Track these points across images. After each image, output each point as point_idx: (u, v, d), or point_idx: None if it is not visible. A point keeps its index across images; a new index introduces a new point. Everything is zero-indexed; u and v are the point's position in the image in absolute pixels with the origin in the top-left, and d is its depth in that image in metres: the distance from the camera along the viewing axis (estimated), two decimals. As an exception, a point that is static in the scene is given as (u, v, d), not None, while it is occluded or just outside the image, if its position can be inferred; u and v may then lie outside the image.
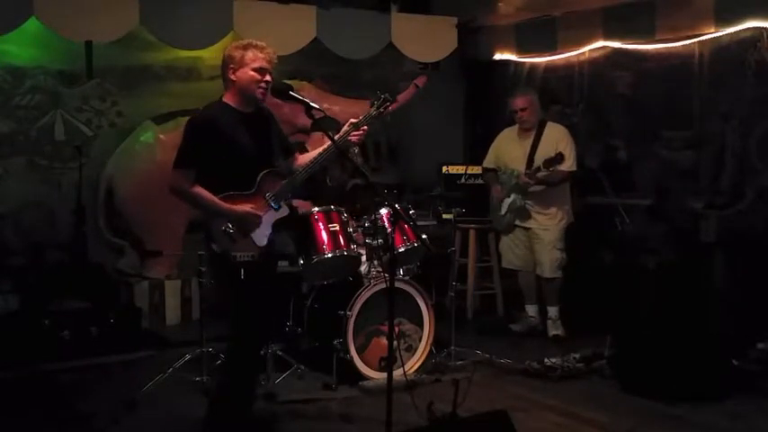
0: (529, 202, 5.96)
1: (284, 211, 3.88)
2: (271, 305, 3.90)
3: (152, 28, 5.72)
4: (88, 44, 5.77)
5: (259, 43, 3.80)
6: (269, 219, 3.82)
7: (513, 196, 6.00)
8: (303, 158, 4.03)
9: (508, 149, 6.16)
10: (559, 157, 5.64)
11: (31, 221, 6.14)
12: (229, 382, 3.90)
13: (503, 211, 6.09)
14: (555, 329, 6.06)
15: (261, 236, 3.79)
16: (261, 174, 3.80)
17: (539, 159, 5.85)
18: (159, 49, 6.38)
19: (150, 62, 6.52)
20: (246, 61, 3.73)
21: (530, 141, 5.99)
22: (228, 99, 3.81)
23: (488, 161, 6.32)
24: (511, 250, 6.23)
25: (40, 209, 6.19)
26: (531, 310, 6.27)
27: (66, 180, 6.22)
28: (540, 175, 5.76)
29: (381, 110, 3.95)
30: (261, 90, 3.75)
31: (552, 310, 6.12)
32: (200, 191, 3.69)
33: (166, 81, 6.61)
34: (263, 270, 3.79)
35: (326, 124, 4.18)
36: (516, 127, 6.12)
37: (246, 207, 3.73)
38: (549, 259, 5.99)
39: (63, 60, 6.14)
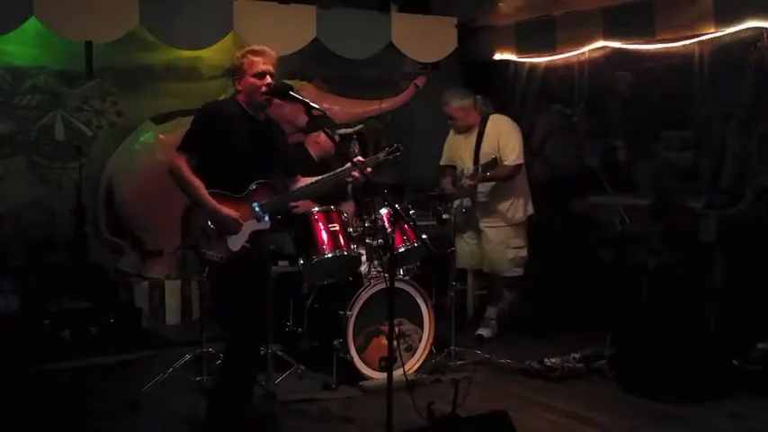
0: (476, 202, 5.84)
1: (265, 225, 3.85)
2: (253, 309, 3.88)
3: (152, 28, 5.72)
4: (88, 44, 5.77)
5: (256, 48, 3.85)
6: (248, 227, 3.79)
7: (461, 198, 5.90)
8: (303, 182, 4.06)
9: (455, 148, 6.09)
10: (493, 162, 5.54)
11: (31, 221, 6.14)
12: (222, 382, 3.92)
13: (455, 206, 5.90)
14: (484, 329, 6.00)
15: (236, 241, 3.76)
16: (255, 182, 3.81)
17: (483, 156, 5.81)
18: (159, 49, 6.38)
19: (150, 62, 6.52)
20: (245, 68, 3.79)
21: (473, 138, 5.94)
22: (241, 100, 3.86)
23: (443, 159, 6.24)
24: (464, 250, 6.05)
25: (40, 209, 6.19)
26: (493, 312, 6.15)
27: (67, 180, 6.22)
28: (480, 176, 5.69)
29: (390, 158, 4.10)
30: (262, 95, 3.77)
31: (492, 311, 6.08)
32: (195, 180, 3.71)
33: (166, 81, 6.61)
34: (236, 273, 3.76)
35: (324, 123, 4.22)
36: None
37: (232, 212, 3.72)
38: (501, 259, 5.94)
39: (63, 60, 6.14)
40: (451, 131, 6.19)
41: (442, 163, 6.28)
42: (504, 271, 5.98)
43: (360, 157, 4.04)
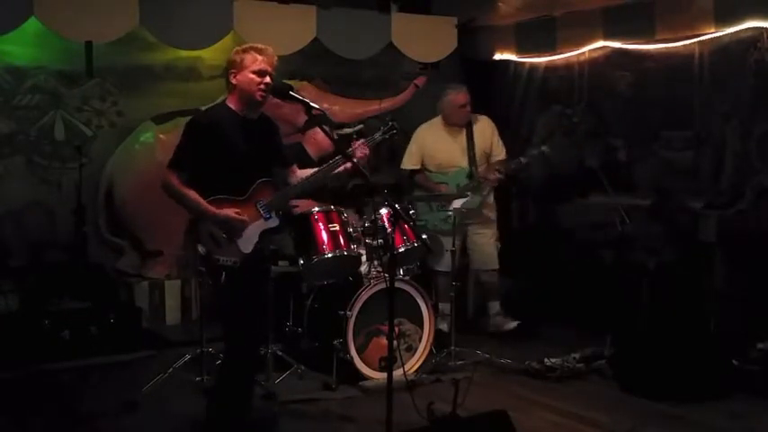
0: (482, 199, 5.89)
1: (273, 222, 3.84)
2: (257, 309, 3.89)
3: (152, 28, 5.72)
4: (88, 44, 5.76)
5: (259, 46, 3.82)
6: (257, 227, 3.80)
7: (469, 195, 5.74)
8: (301, 173, 4.05)
9: (441, 148, 6.00)
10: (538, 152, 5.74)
11: (31, 221, 6.13)
12: (223, 383, 3.92)
13: (457, 205, 5.63)
14: (506, 323, 6.07)
15: (247, 243, 3.76)
16: (256, 182, 3.80)
17: (480, 153, 5.90)
18: (159, 49, 6.37)
19: (150, 62, 6.51)
20: (246, 64, 3.75)
21: (463, 136, 5.93)
22: (231, 103, 3.83)
23: (413, 162, 6.07)
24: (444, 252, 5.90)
25: (40, 209, 6.19)
26: (447, 308, 6.02)
27: (67, 180, 6.21)
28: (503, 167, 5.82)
29: (386, 136, 4.10)
30: (260, 92, 3.75)
31: (496, 305, 6.14)
32: (188, 192, 3.70)
33: (166, 81, 6.61)
34: (247, 276, 3.76)
35: (321, 121, 4.22)
36: (438, 123, 6.02)
37: (231, 210, 3.71)
38: (492, 252, 6.06)
39: (63, 60, 6.14)
40: (423, 133, 6.08)
41: (411, 166, 6.10)
42: (494, 263, 6.07)
43: (359, 141, 4.03)
